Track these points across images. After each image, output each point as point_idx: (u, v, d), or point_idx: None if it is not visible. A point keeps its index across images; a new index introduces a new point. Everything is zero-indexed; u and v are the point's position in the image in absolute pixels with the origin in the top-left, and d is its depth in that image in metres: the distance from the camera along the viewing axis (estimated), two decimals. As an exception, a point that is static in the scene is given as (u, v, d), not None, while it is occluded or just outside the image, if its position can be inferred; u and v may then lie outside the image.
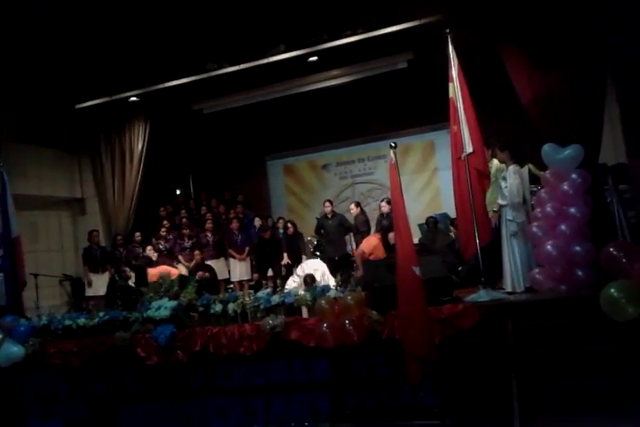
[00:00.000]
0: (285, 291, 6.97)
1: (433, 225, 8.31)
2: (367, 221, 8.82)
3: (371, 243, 7.49)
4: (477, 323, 4.39)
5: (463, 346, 4.37)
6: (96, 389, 5.51)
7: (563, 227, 5.05)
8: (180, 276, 7.78)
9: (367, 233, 8.55)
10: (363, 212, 8.99)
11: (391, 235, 6.74)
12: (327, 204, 8.92)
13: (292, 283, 7.31)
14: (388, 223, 7.55)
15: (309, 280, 6.94)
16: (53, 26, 7.42)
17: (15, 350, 5.65)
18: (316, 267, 7.31)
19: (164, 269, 8.28)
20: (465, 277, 5.79)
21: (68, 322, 5.77)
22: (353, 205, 8.97)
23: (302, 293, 5.24)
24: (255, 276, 9.14)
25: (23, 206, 8.43)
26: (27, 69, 8.14)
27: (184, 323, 5.35)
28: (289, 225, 9.15)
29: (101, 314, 5.73)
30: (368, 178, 11.54)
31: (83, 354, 5.51)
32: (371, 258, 7.25)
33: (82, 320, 5.74)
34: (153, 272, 8.15)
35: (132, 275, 8.06)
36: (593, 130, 5.79)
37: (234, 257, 9.19)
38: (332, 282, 6.94)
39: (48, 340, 5.75)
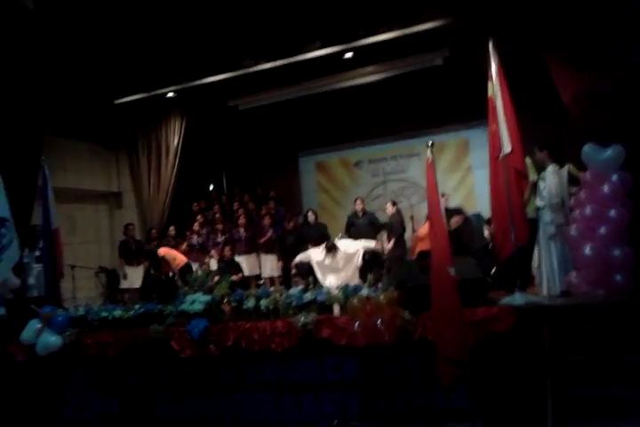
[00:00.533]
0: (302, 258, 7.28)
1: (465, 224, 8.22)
2: (402, 222, 8.58)
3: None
4: (512, 326, 4.33)
5: (497, 349, 4.32)
6: (130, 380, 5.61)
7: (601, 230, 4.93)
8: (186, 264, 8.20)
9: (401, 235, 8.43)
10: (399, 212, 8.73)
11: (453, 219, 6.85)
12: (358, 201, 8.85)
13: (317, 250, 7.34)
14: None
15: (330, 246, 7.09)
16: (94, 22, 7.56)
17: (53, 339, 5.73)
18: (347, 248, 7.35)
19: (168, 251, 8.48)
20: (498, 280, 5.71)
21: (104, 314, 5.87)
22: (389, 204, 8.70)
23: (335, 292, 5.24)
24: (280, 264, 9.13)
25: (62, 199, 8.60)
26: (68, 66, 8.31)
27: (217, 317, 5.41)
28: (309, 214, 9.14)
29: (137, 307, 5.82)
30: (400, 176, 11.44)
31: (118, 346, 5.60)
32: (423, 242, 7.17)
33: (118, 312, 5.83)
34: (160, 250, 8.44)
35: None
36: (636, 130, 5.63)
37: (265, 253, 9.27)
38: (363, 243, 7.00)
39: (85, 331, 5.84)
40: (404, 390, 4.62)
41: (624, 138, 5.37)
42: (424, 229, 7.36)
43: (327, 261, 7.10)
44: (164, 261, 8.11)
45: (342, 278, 7.00)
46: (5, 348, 5.91)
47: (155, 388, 5.50)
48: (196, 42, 8.24)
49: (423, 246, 7.05)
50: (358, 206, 8.77)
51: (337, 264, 7.11)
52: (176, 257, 8.36)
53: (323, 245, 7.22)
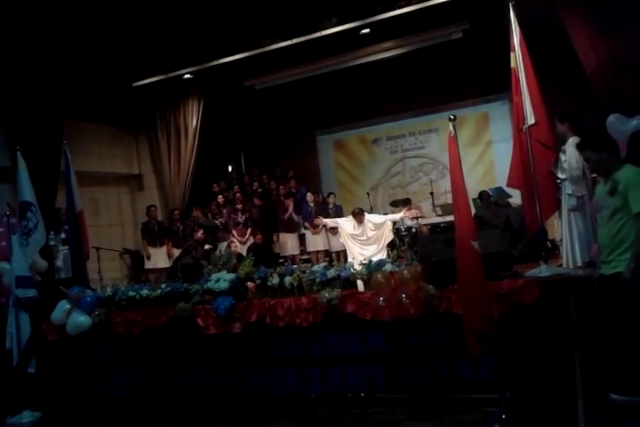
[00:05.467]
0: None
1: (486, 199, 8.19)
2: None
3: None
4: (538, 298, 4.33)
5: (524, 321, 4.33)
6: (159, 356, 5.72)
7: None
8: None
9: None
10: None
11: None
12: None
13: (346, 221, 7.56)
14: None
15: (357, 211, 7.42)
16: (112, 6, 7.55)
17: (82, 319, 5.82)
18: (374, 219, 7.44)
19: None
20: (524, 253, 5.69)
21: (131, 293, 5.93)
22: None
23: (358, 268, 5.26)
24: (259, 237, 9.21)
25: (84, 182, 8.69)
26: (86, 50, 8.33)
27: (242, 295, 5.48)
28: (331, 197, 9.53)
29: (163, 286, 5.89)
30: (419, 152, 11.39)
31: (146, 323, 5.69)
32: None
33: (145, 291, 5.89)
34: None
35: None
36: (662, 99, 5.52)
37: (285, 232, 9.34)
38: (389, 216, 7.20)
39: (113, 310, 5.93)
40: (431, 363, 4.67)
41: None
42: None
43: (357, 231, 7.20)
44: None
45: (372, 252, 7.07)
46: (38, 328, 6.04)
47: (183, 363, 5.61)
48: (212, 22, 8.20)
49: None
50: None
51: (367, 237, 7.19)
52: None
53: (350, 217, 7.37)
